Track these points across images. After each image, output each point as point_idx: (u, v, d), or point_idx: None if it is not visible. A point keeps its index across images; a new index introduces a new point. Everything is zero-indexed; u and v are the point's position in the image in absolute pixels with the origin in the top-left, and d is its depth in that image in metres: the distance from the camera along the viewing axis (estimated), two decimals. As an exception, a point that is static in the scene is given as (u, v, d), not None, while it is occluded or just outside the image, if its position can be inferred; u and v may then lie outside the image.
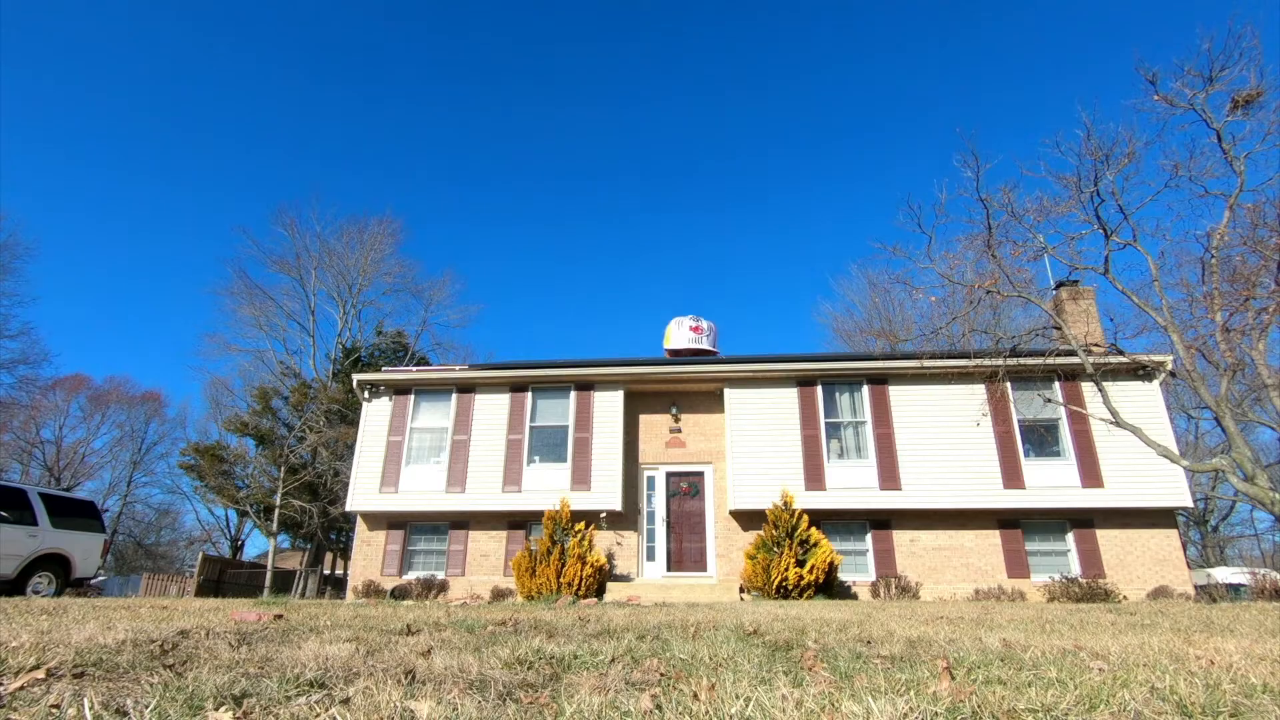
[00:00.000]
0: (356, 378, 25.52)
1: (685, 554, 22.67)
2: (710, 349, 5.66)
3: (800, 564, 18.16)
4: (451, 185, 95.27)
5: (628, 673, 2.79)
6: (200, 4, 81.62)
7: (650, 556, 22.50)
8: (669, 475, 23.47)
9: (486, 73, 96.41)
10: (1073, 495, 21.32)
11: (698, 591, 20.14)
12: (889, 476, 22.01)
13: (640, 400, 24.48)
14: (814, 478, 22.05)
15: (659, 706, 2.12)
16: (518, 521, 22.98)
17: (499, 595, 20.64)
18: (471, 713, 2.03)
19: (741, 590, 20.06)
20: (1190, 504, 21.74)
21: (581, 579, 18.34)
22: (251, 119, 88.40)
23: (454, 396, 24.89)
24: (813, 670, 2.86)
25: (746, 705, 2.12)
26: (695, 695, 2.24)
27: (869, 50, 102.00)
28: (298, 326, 47.22)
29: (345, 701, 2.08)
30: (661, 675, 2.71)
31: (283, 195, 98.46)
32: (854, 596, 20.01)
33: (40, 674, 2.37)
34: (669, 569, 22.35)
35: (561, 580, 18.50)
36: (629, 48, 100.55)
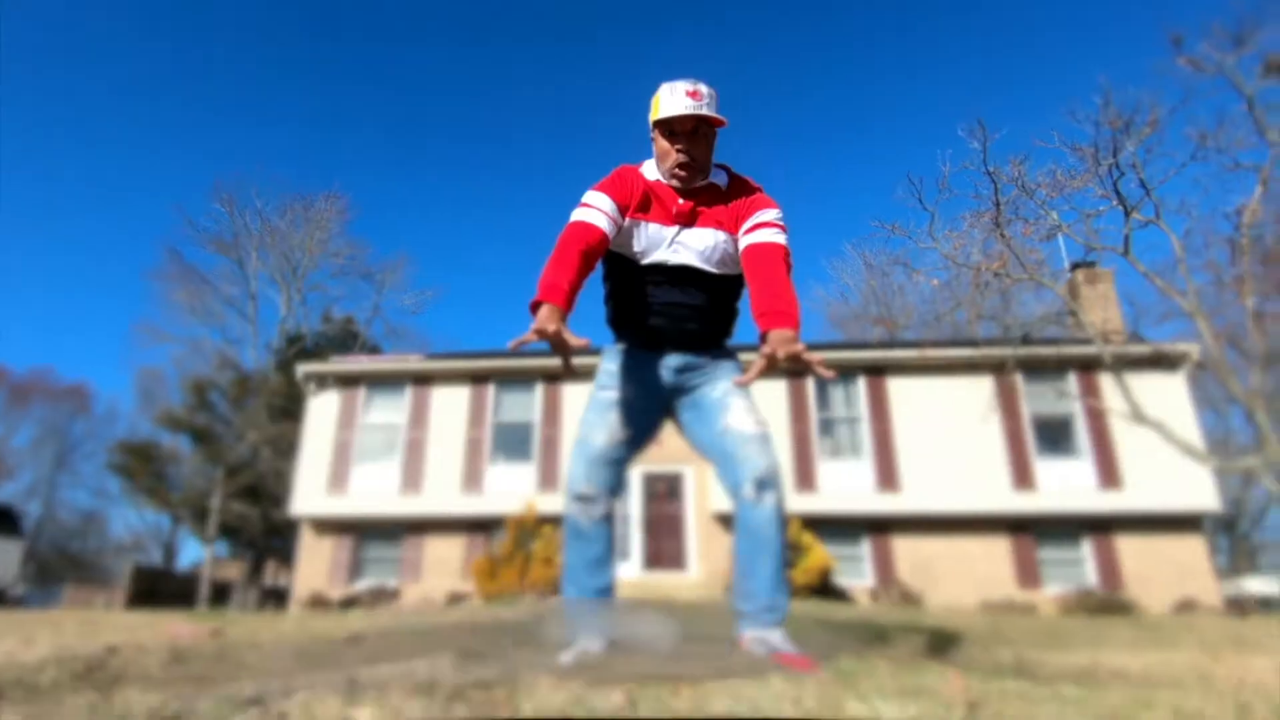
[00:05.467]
0: (302, 369, 25.46)
1: (664, 553, 22.66)
2: (714, 117, 5.34)
3: (791, 567, 18.23)
4: (407, 159, 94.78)
5: (598, 670, 2.79)
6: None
7: (625, 556, 22.49)
8: (645, 476, 23.34)
9: (445, 43, 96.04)
10: (1089, 498, 21.37)
11: (678, 590, 20.16)
12: (887, 477, 22.06)
13: (615, 393, 24.34)
14: (805, 479, 22.07)
15: (633, 702, 2.12)
16: (479, 525, 22.94)
17: (456, 600, 20.63)
18: (416, 714, 2.03)
19: (726, 589, 20.09)
20: (1219, 508, 21.84)
21: (549, 580, 18.36)
22: (188, 88, 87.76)
23: (409, 389, 24.85)
24: (810, 669, 2.86)
25: (736, 702, 2.12)
26: (675, 691, 2.24)
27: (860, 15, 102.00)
28: (236, 313, 46.75)
29: (282, 715, 2.07)
30: (637, 671, 2.71)
31: (220, 169, 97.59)
32: (851, 602, 20.08)
33: (-49, 695, 2.36)
34: (645, 567, 22.33)
35: (525, 582, 18.53)
36: (624, 27, 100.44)
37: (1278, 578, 30.81)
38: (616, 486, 3.71)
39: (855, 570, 21.66)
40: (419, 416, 24.48)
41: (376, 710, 2.06)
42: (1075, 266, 24.17)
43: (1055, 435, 22.77)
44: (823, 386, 23.45)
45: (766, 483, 3.39)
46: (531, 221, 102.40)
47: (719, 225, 3.72)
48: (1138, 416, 16.89)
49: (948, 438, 22.27)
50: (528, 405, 24.36)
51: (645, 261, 3.76)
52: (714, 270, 3.76)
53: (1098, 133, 17.42)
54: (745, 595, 3.52)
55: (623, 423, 3.74)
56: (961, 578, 21.21)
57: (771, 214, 3.67)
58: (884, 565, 21.61)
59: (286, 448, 38.02)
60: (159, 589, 34.66)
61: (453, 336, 74.32)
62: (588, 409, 3.89)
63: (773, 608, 3.42)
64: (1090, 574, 21.35)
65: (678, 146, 3.56)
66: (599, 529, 3.60)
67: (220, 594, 38.74)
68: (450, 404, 24.53)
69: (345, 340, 47.24)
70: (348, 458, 24.23)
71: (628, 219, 3.69)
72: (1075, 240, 18.32)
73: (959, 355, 22.17)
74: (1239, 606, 21.49)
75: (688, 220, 3.72)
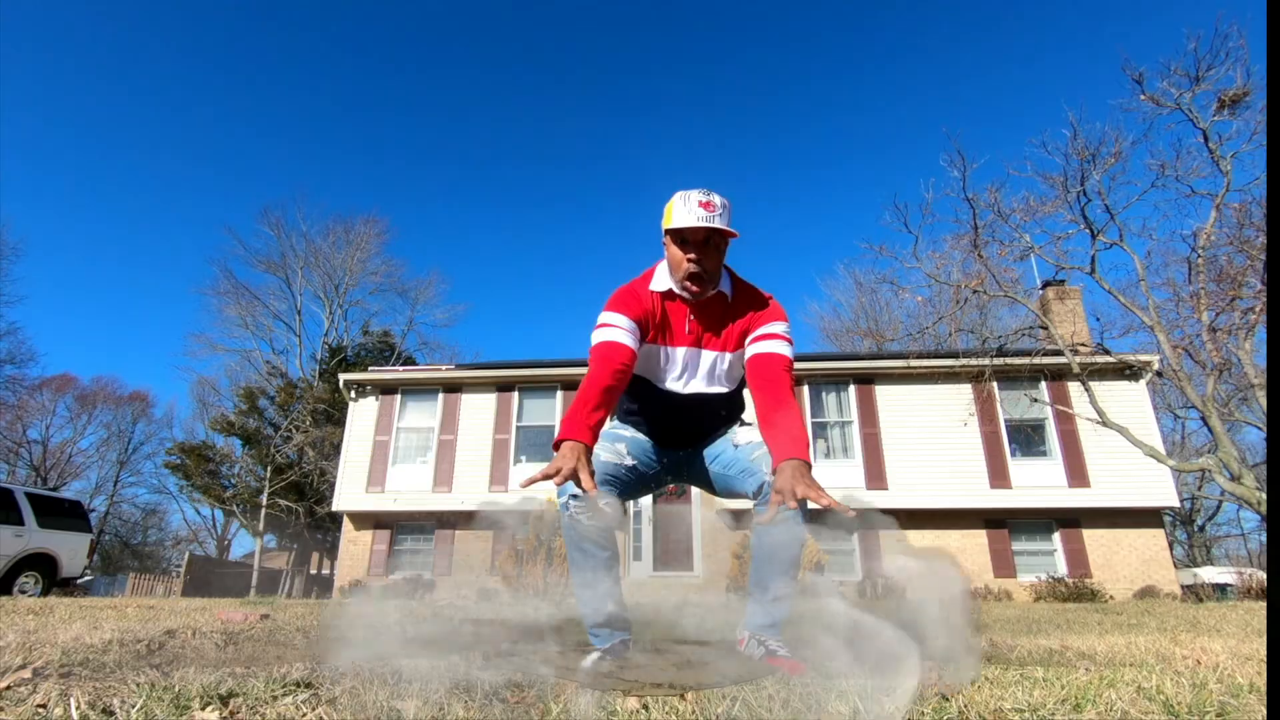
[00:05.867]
0: (343, 377, 25.47)
1: (672, 553, 22.65)
2: (726, 229, 5.15)
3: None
4: (438, 183, 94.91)
5: (615, 677, 2.79)
6: (187, 5, 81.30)
7: (637, 556, 22.45)
8: (655, 474, 23.17)
9: (476, 70, 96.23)
10: (1059, 495, 21.35)
11: (684, 590, 20.13)
12: (875, 476, 22.03)
13: (628, 400, 24.35)
14: (801, 478, 22.03)
15: (645, 706, 2.12)
16: (505, 521, 22.93)
17: (486, 595, 20.61)
18: (458, 712, 2.03)
19: (728, 589, 20.06)
20: (1177, 504, 21.80)
21: (569, 579, 18.28)
22: (239, 119, 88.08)
23: (440, 396, 24.86)
24: (799, 672, 2.86)
25: (733, 705, 2.12)
26: (682, 695, 2.24)
27: (852, 50, 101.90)
28: (284, 326, 47.14)
29: (331, 701, 2.07)
30: (649, 678, 2.72)
31: (269, 195, 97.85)
32: (841, 597, 19.98)
33: (27, 674, 2.37)
34: (655, 568, 22.32)
35: (548, 581, 18.47)
36: (623, 54, 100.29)
37: (1231, 568, 30.64)
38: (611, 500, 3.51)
39: (845, 566, 21.61)
40: (450, 421, 24.48)
41: (421, 704, 2.06)
42: (1046, 284, 24.26)
43: (1028, 438, 22.73)
44: (817, 393, 23.44)
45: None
46: (553, 238, 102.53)
47: (724, 346, 3.57)
48: (1103, 421, 16.87)
49: (930, 440, 22.25)
50: (549, 410, 24.34)
51: (657, 386, 3.66)
52: (723, 389, 3.65)
53: (1067, 163, 17.48)
54: (752, 597, 3.50)
55: (617, 490, 3.60)
56: (943, 569, 21.13)
57: (780, 326, 3.52)
58: (871, 558, 21.56)
59: (329, 449, 38.14)
60: (213, 578, 34.63)
61: (480, 347, 74.42)
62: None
63: (773, 618, 3.38)
64: (1060, 564, 21.30)
65: (690, 256, 3.35)
66: (595, 530, 3.43)
67: (269, 582, 38.74)
68: (478, 409, 24.53)
69: (383, 351, 47.38)
70: (385, 458, 24.23)
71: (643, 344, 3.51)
72: (1046, 260, 18.38)
73: (941, 365, 22.14)
74: (1196, 594, 21.38)
75: (696, 342, 3.57)
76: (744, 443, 3.55)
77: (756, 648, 3.35)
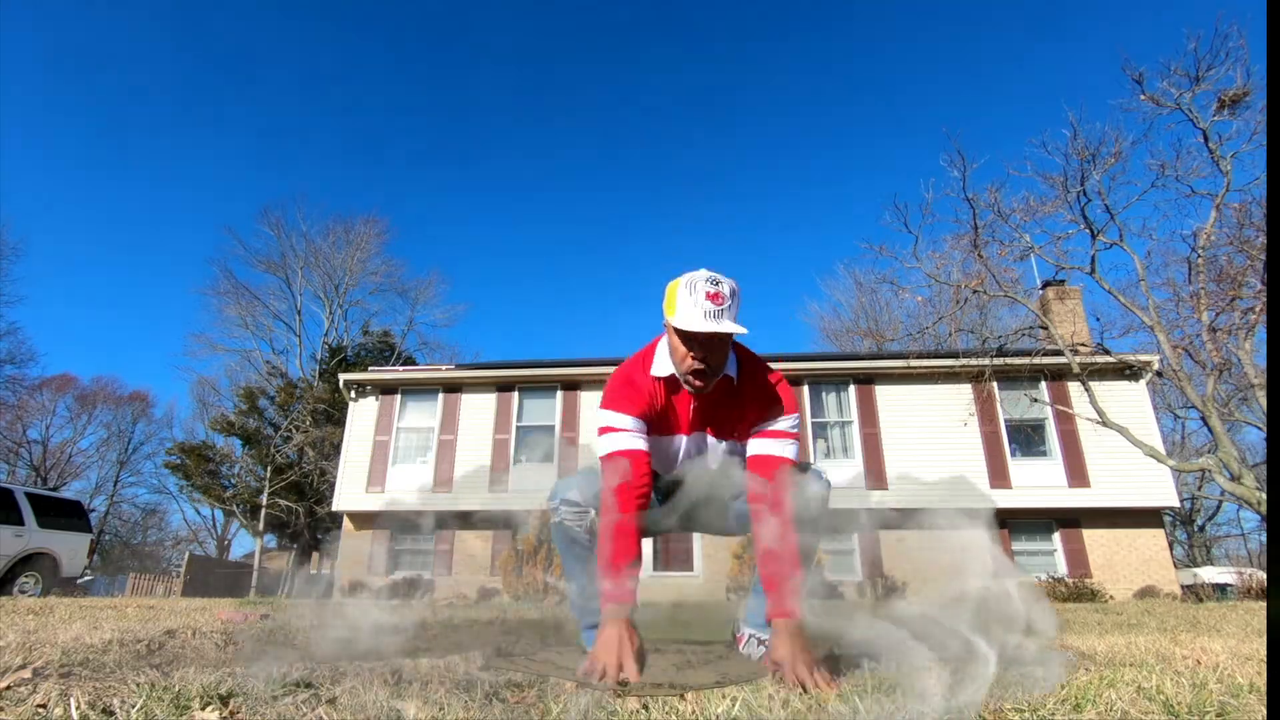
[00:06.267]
0: (343, 377, 25.48)
1: (672, 553, 22.66)
2: (732, 326, 4.57)
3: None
4: (439, 183, 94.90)
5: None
6: (188, 3, 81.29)
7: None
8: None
9: (477, 69, 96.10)
10: (1059, 495, 21.37)
11: (684, 591, 20.15)
12: (875, 476, 22.03)
13: (627, 400, 24.32)
14: (801, 478, 22.03)
15: (645, 706, 2.12)
16: (505, 521, 22.93)
17: (485, 595, 20.60)
18: (458, 712, 2.03)
19: (728, 590, 20.07)
20: (1177, 504, 21.83)
21: (569, 579, 18.25)
22: (240, 119, 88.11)
23: (440, 396, 24.87)
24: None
25: (734, 705, 2.12)
26: (681, 696, 2.25)
27: (852, 47, 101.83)
28: (284, 326, 47.18)
29: (331, 701, 2.08)
30: (648, 679, 2.72)
31: (269, 195, 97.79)
32: (840, 596, 19.97)
33: (26, 673, 2.37)
34: (655, 569, 22.33)
35: (548, 580, 18.47)
36: (624, 54, 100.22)
37: (1231, 568, 30.65)
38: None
39: (845, 565, 21.62)
40: (450, 421, 24.49)
41: (421, 704, 2.06)
42: (1046, 284, 24.25)
43: (1028, 438, 22.75)
44: (817, 393, 23.45)
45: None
46: (553, 238, 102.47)
47: (729, 432, 3.40)
48: (1103, 421, 16.86)
49: (931, 440, 22.25)
50: (549, 410, 24.36)
51: (662, 473, 3.54)
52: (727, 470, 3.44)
53: (1067, 163, 17.47)
54: (755, 595, 3.45)
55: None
56: (943, 568, 21.15)
57: (787, 422, 3.31)
58: (871, 559, 21.56)
59: (329, 449, 38.14)
60: (213, 578, 34.66)
61: (479, 348, 74.44)
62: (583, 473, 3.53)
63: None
64: (1060, 564, 21.32)
65: (693, 355, 3.08)
66: (589, 534, 3.36)
67: (269, 582, 38.75)
68: (478, 409, 24.54)
69: (383, 351, 47.39)
70: (385, 458, 24.25)
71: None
72: (1046, 260, 18.36)
73: (941, 365, 22.15)
74: (1196, 594, 21.39)
75: (701, 427, 3.38)
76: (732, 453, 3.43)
77: (756, 647, 3.33)
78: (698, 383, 3.14)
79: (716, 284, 3.02)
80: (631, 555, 3.01)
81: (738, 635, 3.56)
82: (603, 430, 3.25)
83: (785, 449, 3.26)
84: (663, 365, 3.29)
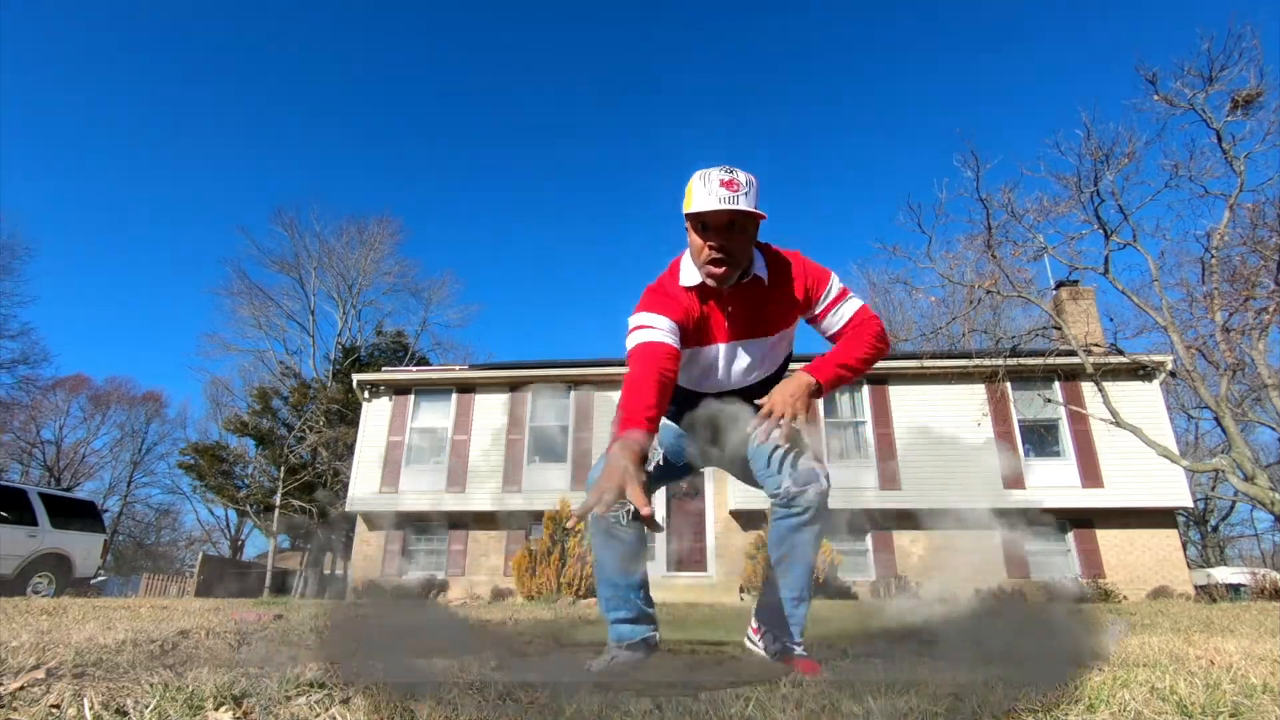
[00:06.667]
0: (356, 378, 25.54)
1: (685, 554, 22.66)
2: (752, 211, 4.53)
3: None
4: (452, 183, 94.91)
5: (628, 677, 2.79)
6: (203, 2, 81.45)
7: (651, 556, 22.43)
8: (669, 475, 23.14)
9: (491, 69, 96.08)
10: (1073, 495, 21.32)
11: (697, 591, 20.13)
12: (889, 477, 21.99)
13: (640, 400, 24.29)
14: (813, 478, 22.00)
15: (659, 706, 2.12)
16: (518, 522, 22.95)
17: (499, 595, 20.61)
18: (471, 712, 2.03)
19: (741, 590, 20.06)
20: (1190, 504, 21.83)
21: (582, 579, 18.28)
22: (253, 119, 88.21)
23: (454, 396, 24.90)
24: (814, 672, 2.86)
25: (747, 705, 2.11)
26: (695, 695, 2.24)
27: (866, 48, 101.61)
28: (297, 326, 47.18)
29: (345, 701, 2.08)
30: (663, 679, 2.71)
31: (282, 195, 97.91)
32: (854, 597, 19.93)
33: (40, 674, 2.37)
34: (669, 569, 22.32)
35: (562, 580, 18.47)
36: (637, 48, 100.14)
37: (1244, 568, 30.54)
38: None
39: (859, 566, 21.59)
40: (463, 421, 24.52)
41: (434, 705, 2.06)
42: (1060, 285, 24.19)
43: (1042, 438, 22.70)
44: (831, 394, 23.41)
45: (801, 487, 3.06)
46: (566, 238, 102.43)
47: (767, 332, 3.32)
48: (1117, 421, 16.82)
49: (944, 441, 22.20)
50: (562, 410, 24.38)
51: (699, 388, 3.42)
52: (765, 374, 3.46)
53: (1080, 163, 17.44)
54: (769, 591, 3.38)
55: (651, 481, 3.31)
56: (957, 569, 21.14)
57: (835, 287, 3.34)
58: (885, 559, 21.55)
59: (342, 450, 38.18)
60: (226, 578, 34.71)
61: (493, 348, 74.48)
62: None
63: (791, 615, 3.23)
64: (1074, 564, 21.28)
65: (711, 244, 3.01)
66: (628, 527, 3.21)
67: (283, 582, 38.81)
68: (491, 409, 24.57)
69: (396, 351, 47.42)
70: (398, 458, 24.28)
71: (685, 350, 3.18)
72: (1060, 261, 18.34)
73: (954, 365, 22.13)
74: (1209, 594, 21.32)
75: (738, 335, 3.28)
76: (764, 439, 3.17)
77: (772, 643, 3.28)
78: (718, 271, 3.07)
79: (731, 172, 2.99)
80: (649, 400, 2.83)
81: (753, 626, 3.49)
82: (632, 330, 3.13)
83: (850, 308, 3.35)
84: (690, 274, 3.23)
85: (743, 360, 3.35)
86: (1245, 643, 4.26)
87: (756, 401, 3.15)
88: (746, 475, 3.49)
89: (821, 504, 3.05)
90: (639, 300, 3.25)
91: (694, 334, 3.23)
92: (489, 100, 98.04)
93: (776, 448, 3.18)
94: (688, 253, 3.24)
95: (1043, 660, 3.00)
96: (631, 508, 2.87)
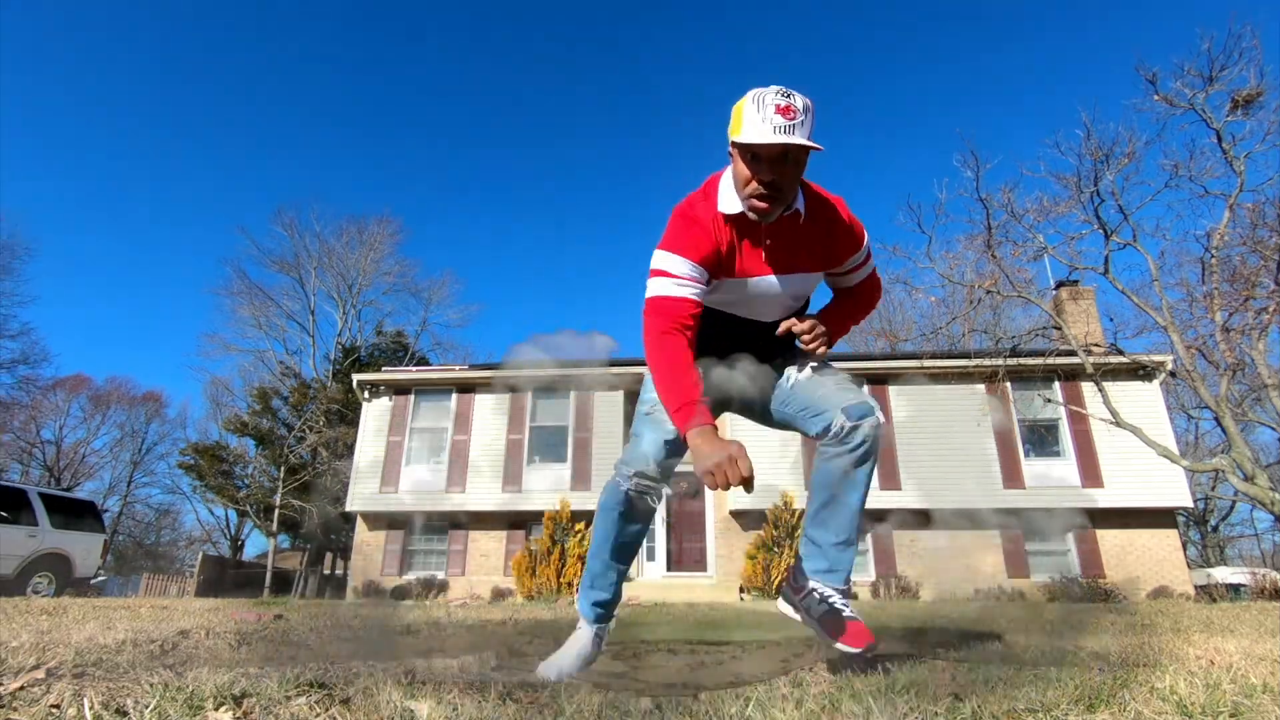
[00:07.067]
0: (356, 378, 25.55)
1: (685, 554, 22.66)
2: (805, 144, 4.06)
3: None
4: (452, 183, 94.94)
5: (628, 677, 2.80)
6: (203, 2, 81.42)
7: (650, 556, 22.45)
8: (669, 475, 23.13)
9: (491, 70, 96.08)
10: (1073, 495, 21.33)
11: (697, 591, 20.14)
12: (889, 476, 21.97)
13: (640, 400, 24.27)
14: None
15: (659, 706, 2.12)
16: (518, 521, 22.94)
17: (499, 595, 20.61)
18: (471, 712, 2.03)
19: (741, 590, 20.06)
20: (1190, 504, 21.87)
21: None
22: (253, 118, 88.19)
23: (454, 396, 24.91)
24: (812, 670, 2.85)
25: (747, 705, 2.11)
26: (695, 695, 2.24)
27: (867, 48, 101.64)
28: (297, 326, 47.15)
29: (345, 701, 2.08)
30: (663, 679, 2.71)
31: (282, 195, 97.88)
32: (854, 597, 19.88)
33: (40, 674, 2.37)
34: (669, 569, 22.33)
35: (562, 580, 18.49)
36: (637, 48, 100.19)
37: (1244, 568, 30.54)
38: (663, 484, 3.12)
39: (859, 566, 21.55)
40: (463, 421, 24.53)
41: (435, 704, 2.06)
42: (1060, 285, 24.19)
43: (1042, 438, 22.71)
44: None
45: (857, 421, 2.89)
46: (566, 238, 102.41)
47: (797, 268, 3.11)
48: (1117, 421, 16.81)
49: (944, 440, 22.20)
50: (562, 411, 24.38)
51: (726, 311, 3.20)
52: (795, 306, 3.28)
53: (1080, 163, 17.42)
54: (812, 539, 3.17)
55: (669, 452, 3.10)
56: (956, 568, 21.14)
57: (864, 249, 3.22)
58: (884, 558, 21.56)
59: (342, 449, 38.16)
60: (226, 578, 34.73)
61: (493, 348, 74.52)
62: (639, 421, 3.26)
63: (833, 568, 3.08)
64: (1074, 564, 21.31)
65: (760, 177, 2.76)
66: (647, 512, 3.15)
67: (283, 582, 38.80)
68: (491, 410, 24.57)
69: (396, 352, 47.42)
70: (398, 458, 24.28)
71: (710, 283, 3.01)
72: (1060, 261, 18.32)
73: (955, 365, 22.13)
74: (1209, 594, 21.33)
75: (769, 269, 3.06)
76: (804, 378, 3.18)
77: (817, 603, 3.06)
78: (763, 205, 2.83)
79: (788, 96, 2.72)
80: (691, 379, 2.76)
81: (798, 585, 3.21)
82: (654, 273, 2.98)
83: (868, 269, 3.34)
84: (729, 200, 2.98)
85: (772, 293, 3.15)
86: (1245, 643, 4.26)
87: (777, 333, 3.13)
88: (766, 417, 3.41)
89: (878, 437, 2.93)
90: (668, 226, 3.07)
91: (725, 265, 3.05)
92: (489, 100, 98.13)
93: (819, 384, 3.12)
94: (728, 173, 3.01)
95: (1043, 660, 3.00)
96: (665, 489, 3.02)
